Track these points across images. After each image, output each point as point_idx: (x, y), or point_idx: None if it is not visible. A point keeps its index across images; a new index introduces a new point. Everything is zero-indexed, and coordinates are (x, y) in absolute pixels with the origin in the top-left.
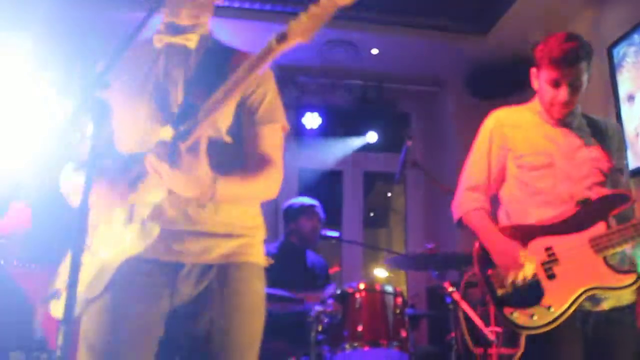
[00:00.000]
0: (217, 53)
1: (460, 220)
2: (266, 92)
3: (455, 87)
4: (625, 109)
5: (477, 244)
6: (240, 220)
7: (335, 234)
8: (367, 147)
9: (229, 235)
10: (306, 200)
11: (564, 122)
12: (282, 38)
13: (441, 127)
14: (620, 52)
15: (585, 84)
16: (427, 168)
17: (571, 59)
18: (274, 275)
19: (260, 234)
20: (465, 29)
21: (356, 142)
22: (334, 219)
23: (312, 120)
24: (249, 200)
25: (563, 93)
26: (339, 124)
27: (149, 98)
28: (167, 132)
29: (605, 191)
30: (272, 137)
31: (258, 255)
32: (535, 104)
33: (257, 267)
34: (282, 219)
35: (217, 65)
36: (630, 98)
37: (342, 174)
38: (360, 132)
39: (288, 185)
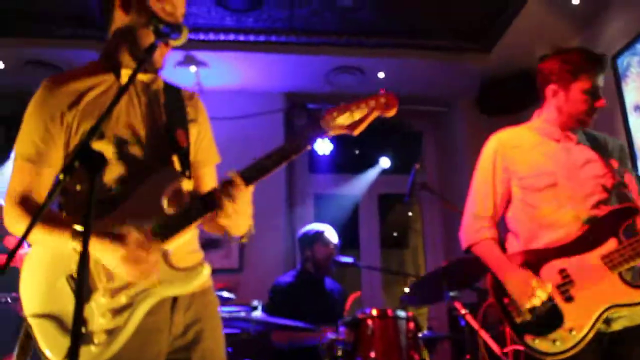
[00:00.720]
0: (172, 92)
1: (468, 249)
2: (205, 134)
3: (464, 105)
4: (632, 119)
5: (489, 275)
6: (196, 245)
7: (349, 259)
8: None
9: (199, 265)
10: (320, 226)
11: (569, 135)
12: (322, 132)
13: (453, 145)
14: (625, 62)
15: None
16: (438, 188)
17: (603, 67)
18: (292, 306)
19: None
20: (469, 47)
21: (370, 173)
22: (352, 243)
23: (323, 146)
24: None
25: (602, 100)
26: (350, 148)
27: (132, 135)
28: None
29: (609, 208)
30: (214, 175)
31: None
32: (535, 122)
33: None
34: (298, 247)
35: (178, 105)
36: (637, 108)
37: (357, 198)
38: (372, 155)
39: (304, 211)
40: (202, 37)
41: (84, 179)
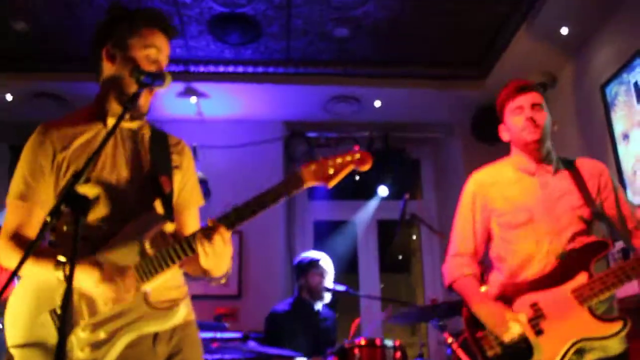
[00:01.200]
0: (157, 138)
1: (450, 286)
2: (189, 179)
3: (461, 131)
4: (621, 148)
5: (465, 310)
6: (181, 279)
7: (342, 287)
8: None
9: (180, 299)
10: (314, 254)
11: (543, 162)
12: (299, 184)
13: (451, 171)
14: (613, 91)
15: (548, 118)
16: (437, 215)
17: (525, 86)
18: (288, 335)
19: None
20: (465, 75)
21: (371, 203)
22: (351, 269)
23: None
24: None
25: (530, 112)
26: (349, 175)
27: (118, 179)
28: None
29: (585, 240)
30: (197, 217)
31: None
32: (513, 157)
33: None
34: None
35: (163, 152)
36: (625, 137)
37: (355, 224)
38: (370, 182)
39: (304, 238)
40: (202, 69)
41: (70, 220)
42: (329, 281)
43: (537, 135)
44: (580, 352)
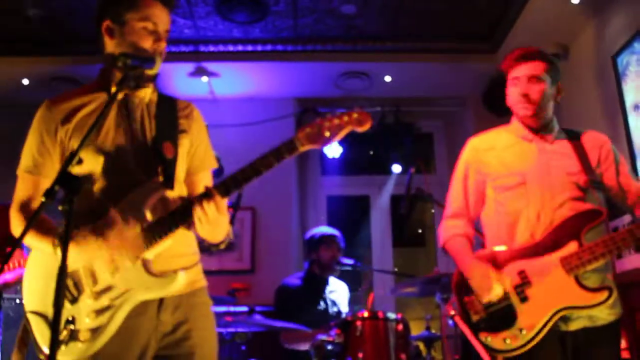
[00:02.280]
0: (166, 104)
1: (443, 248)
2: (200, 142)
3: (473, 104)
4: (632, 118)
5: (456, 272)
6: (191, 247)
7: (350, 261)
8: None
9: (189, 267)
10: (325, 229)
11: (540, 132)
12: (293, 149)
13: (463, 144)
14: (624, 61)
15: (547, 89)
16: (441, 192)
17: (526, 55)
18: (297, 309)
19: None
20: (475, 49)
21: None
22: (364, 243)
23: (333, 149)
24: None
25: (525, 87)
26: (362, 150)
27: (122, 147)
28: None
29: (579, 207)
30: (210, 180)
31: (204, 278)
32: (512, 124)
33: (206, 289)
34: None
35: (170, 117)
36: (636, 107)
37: (369, 199)
38: (383, 157)
39: (317, 213)
40: (211, 48)
41: (81, 194)
42: (339, 256)
43: (530, 111)
44: (565, 319)
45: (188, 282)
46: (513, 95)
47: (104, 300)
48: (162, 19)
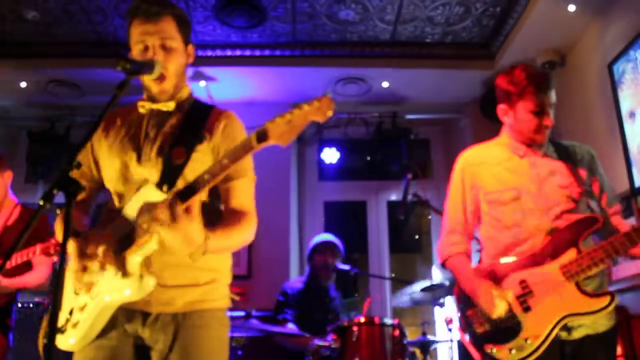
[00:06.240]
0: (194, 114)
1: (443, 264)
2: (223, 149)
3: (471, 111)
4: (627, 126)
5: (456, 288)
6: (208, 264)
7: (346, 267)
8: (389, 176)
9: (194, 285)
10: (322, 237)
11: (532, 147)
12: (262, 138)
13: (461, 151)
14: (620, 69)
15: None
16: (438, 198)
17: (548, 85)
18: (297, 312)
19: (227, 277)
20: (473, 55)
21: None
22: (361, 249)
23: (330, 155)
24: (232, 251)
25: (549, 118)
26: (359, 156)
27: (132, 156)
28: (152, 193)
29: (574, 219)
30: (244, 190)
31: (221, 299)
32: (503, 138)
33: (219, 312)
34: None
35: (194, 125)
36: (632, 115)
37: (365, 204)
38: (380, 162)
39: (314, 219)
40: (209, 53)
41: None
42: (336, 262)
43: (545, 138)
44: (568, 329)
45: (186, 302)
46: (531, 123)
47: (86, 297)
48: (151, 33)
